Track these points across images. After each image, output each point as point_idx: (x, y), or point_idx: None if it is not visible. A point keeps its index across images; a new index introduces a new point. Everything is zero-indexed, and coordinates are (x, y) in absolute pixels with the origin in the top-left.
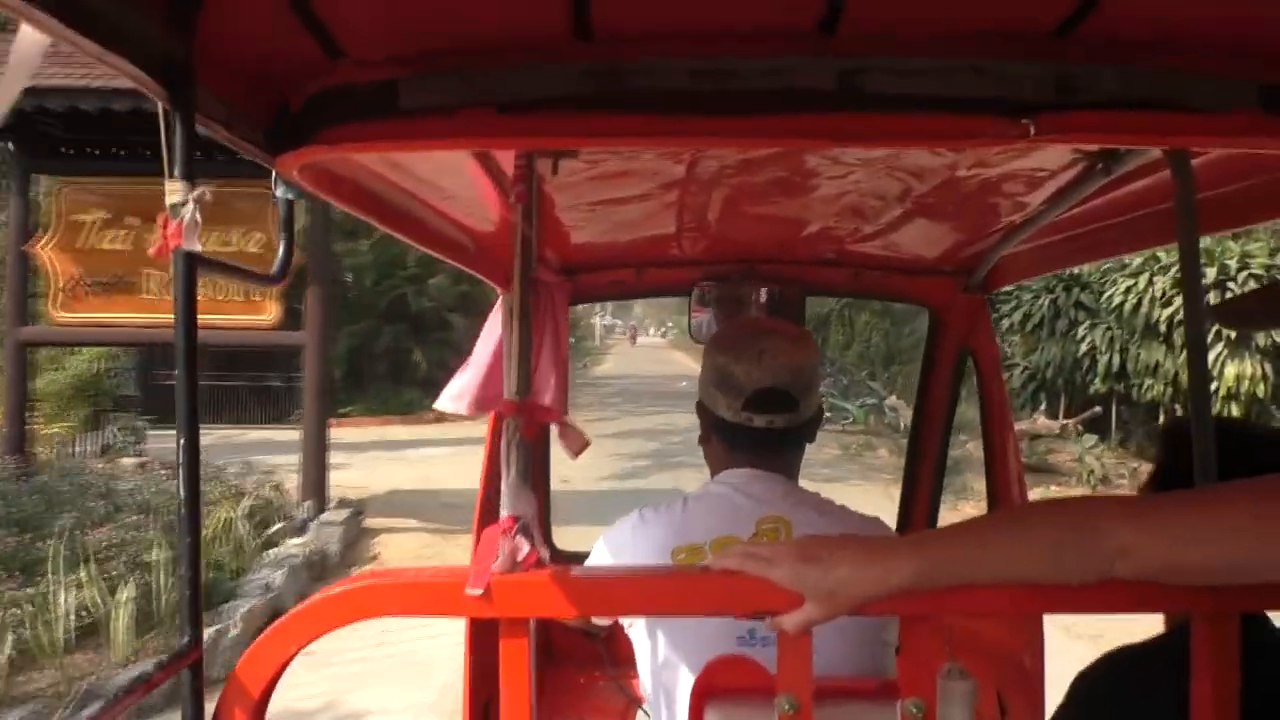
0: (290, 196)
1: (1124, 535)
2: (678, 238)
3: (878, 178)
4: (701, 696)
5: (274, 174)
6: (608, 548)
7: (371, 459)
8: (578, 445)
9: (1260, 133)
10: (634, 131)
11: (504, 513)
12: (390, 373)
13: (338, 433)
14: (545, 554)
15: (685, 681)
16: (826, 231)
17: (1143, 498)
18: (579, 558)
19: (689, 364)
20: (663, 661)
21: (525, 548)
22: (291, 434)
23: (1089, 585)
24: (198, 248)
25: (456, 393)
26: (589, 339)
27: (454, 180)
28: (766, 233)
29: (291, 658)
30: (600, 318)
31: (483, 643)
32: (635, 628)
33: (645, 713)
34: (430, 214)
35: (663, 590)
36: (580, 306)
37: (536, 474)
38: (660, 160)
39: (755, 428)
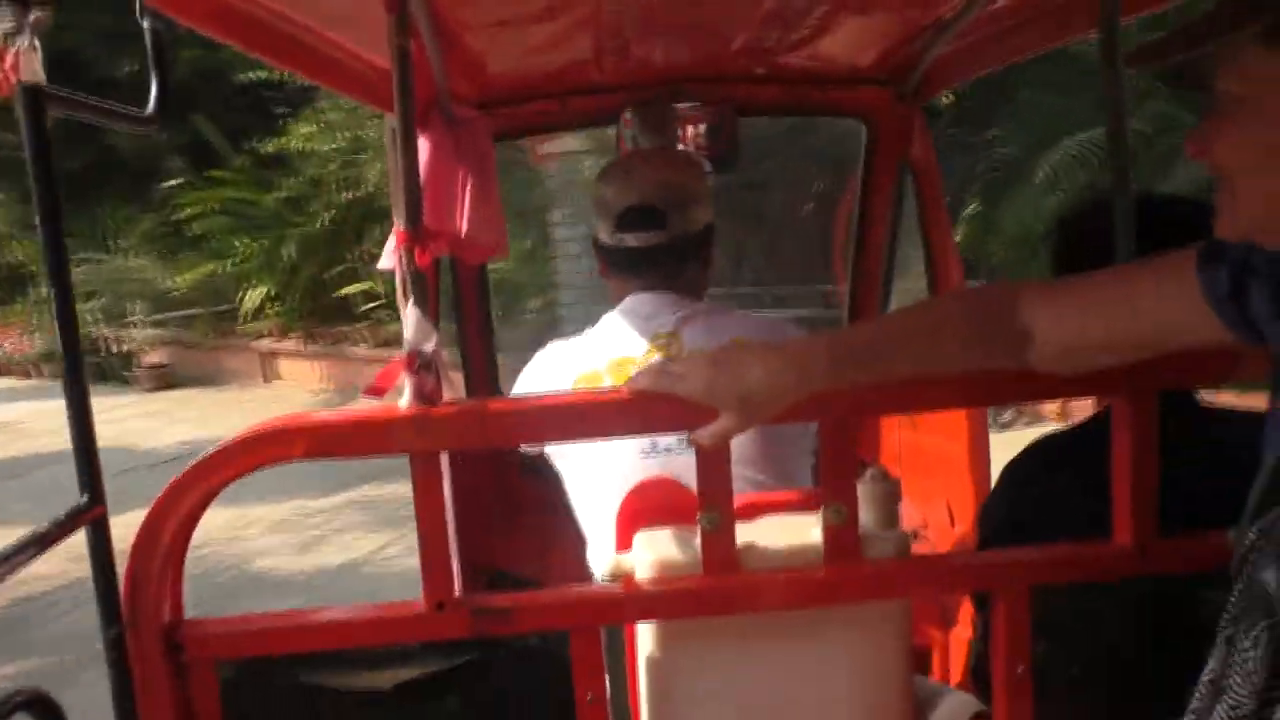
0: (158, 26)
1: (1031, 318)
2: (598, 61)
3: None
4: (629, 521)
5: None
6: (524, 380)
7: None
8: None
9: None
10: None
11: (405, 348)
12: None
13: None
14: (453, 390)
15: (604, 502)
16: (753, 43)
17: (1052, 280)
18: None
19: None
20: (582, 486)
21: (429, 382)
22: None
23: (1010, 376)
24: (43, 79)
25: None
26: None
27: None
28: (691, 49)
29: (205, 504)
30: None
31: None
32: (558, 458)
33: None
34: (315, 38)
35: (572, 416)
36: None
37: (481, 315)
38: None
39: (628, 247)
